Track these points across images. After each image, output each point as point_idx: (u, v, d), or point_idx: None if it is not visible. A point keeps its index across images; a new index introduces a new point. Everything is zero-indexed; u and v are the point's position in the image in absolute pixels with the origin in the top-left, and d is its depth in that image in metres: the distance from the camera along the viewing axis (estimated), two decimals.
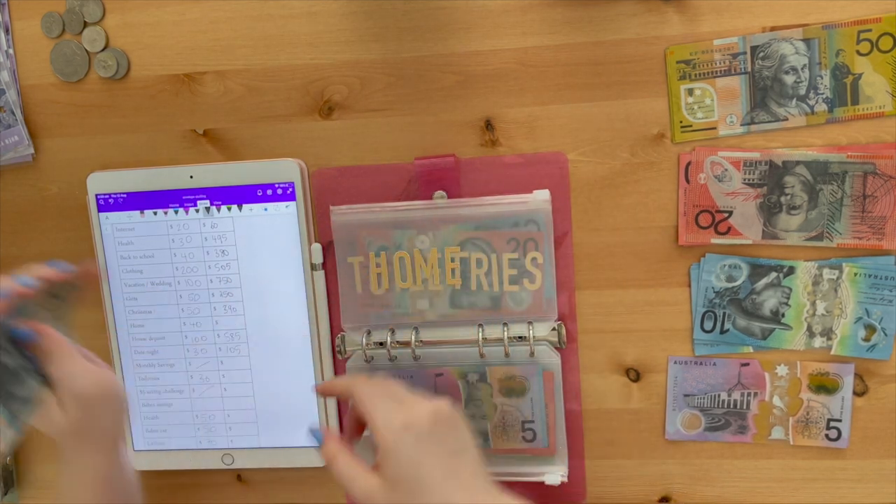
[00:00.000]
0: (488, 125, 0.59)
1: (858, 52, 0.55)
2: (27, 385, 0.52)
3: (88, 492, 0.54)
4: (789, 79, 0.55)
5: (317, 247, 0.61)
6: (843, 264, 0.57)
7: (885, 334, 0.57)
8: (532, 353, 0.59)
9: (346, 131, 0.60)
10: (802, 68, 0.55)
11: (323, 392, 0.60)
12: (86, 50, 0.61)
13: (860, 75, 0.55)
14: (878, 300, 0.57)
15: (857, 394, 0.59)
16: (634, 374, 0.60)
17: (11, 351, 0.52)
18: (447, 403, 0.50)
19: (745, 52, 0.55)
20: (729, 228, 0.57)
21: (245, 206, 0.61)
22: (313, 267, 0.61)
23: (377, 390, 0.51)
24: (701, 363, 0.60)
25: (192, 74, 0.61)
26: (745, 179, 0.57)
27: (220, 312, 0.62)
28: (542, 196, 0.58)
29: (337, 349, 0.62)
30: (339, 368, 0.63)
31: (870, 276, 0.57)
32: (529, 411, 0.60)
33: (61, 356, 0.52)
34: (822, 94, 0.55)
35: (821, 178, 0.56)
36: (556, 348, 0.60)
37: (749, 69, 0.56)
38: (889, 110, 0.55)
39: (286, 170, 0.60)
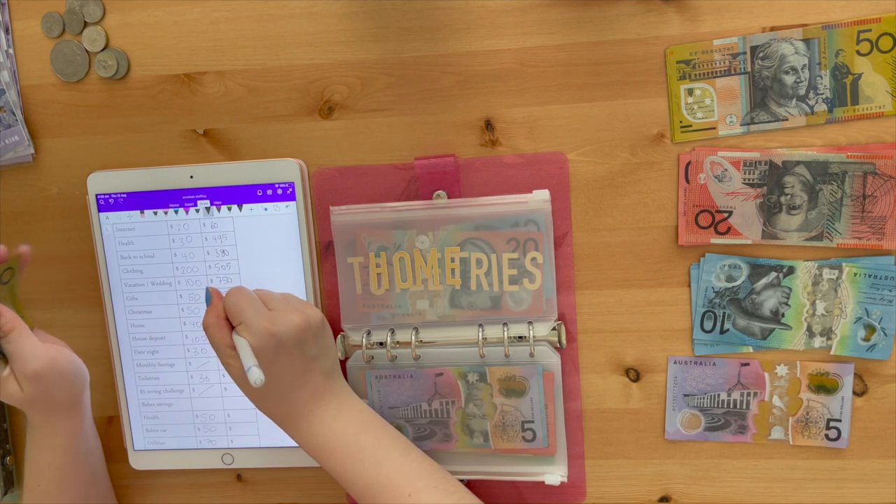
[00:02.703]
0: (488, 125, 0.59)
1: (858, 52, 0.55)
2: None
3: (49, 453, 0.59)
4: (789, 79, 0.55)
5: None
6: (843, 264, 0.57)
7: (885, 334, 0.57)
8: (532, 354, 0.59)
9: (346, 131, 0.60)
10: (802, 68, 0.55)
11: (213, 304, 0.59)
12: (86, 50, 0.61)
13: (860, 75, 0.55)
14: (877, 300, 0.57)
15: (856, 394, 0.59)
16: (634, 374, 0.60)
17: None
18: (316, 315, 0.56)
19: (744, 53, 0.55)
20: (729, 228, 0.57)
21: (245, 206, 0.61)
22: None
23: (249, 296, 0.55)
24: (701, 363, 0.60)
25: (192, 74, 0.61)
26: (744, 179, 0.57)
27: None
28: (542, 196, 0.58)
29: (337, 349, 0.62)
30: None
31: (869, 276, 0.57)
32: (529, 411, 0.60)
33: (15, 335, 0.55)
34: (822, 94, 0.55)
35: (821, 178, 0.56)
36: (556, 348, 0.60)
37: (749, 69, 0.56)
38: (889, 110, 0.55)
39: (286, 170, 0.60)
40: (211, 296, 0.55)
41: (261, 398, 0.55)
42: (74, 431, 0.59)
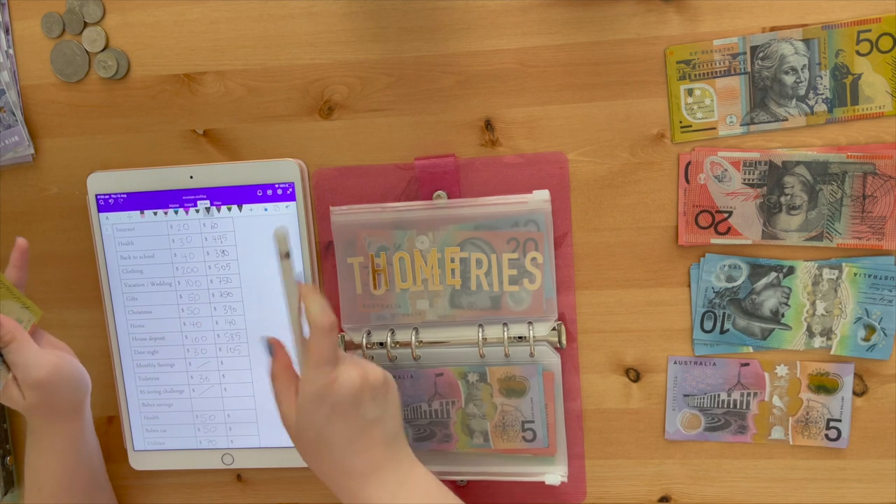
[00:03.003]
0: (488, 125, 0.59)
1: (858, 53, 0.55)
2: None
3: (51, 457, 0.58)
4: (789, 79, 0.55)
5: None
6: (843, 264, 0.57)
7: (885, 334, 0.57)
8: (532, 353, 0.59)
9: (346, 131, 0.60)
10: (802, 68, 0.55)
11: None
12: (86, 50, 0.61)
13: (860, 75, 0.55)
14: (877, 300, 0.57)
15: (856, 394, 0.59)
16: (634, 374, 0.60)
17: None
18: (380, 373, 0.51)
19: (744, 53, 0.55)
20: (729, 228, 0.57)
21: (245, 207, 0.61)
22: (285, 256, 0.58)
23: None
24: (701, 363, 0.60)
25: (192, 74, 0.61)
26: (744, 179, 0.57)
27: (220, 312, 0.62)
28: (541, 196, 0.58)
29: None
30: None
31: (869, 276, 0.57)
32: (529, 411, 0.60)
33: (16, 346, 0.54)
34: (822, 94, 0.55)
35: (820, 178, 0.56)
36: (556, 348, 0.60)
37: (749, 69, 0.56)
38: (889, 110, 0.55)
39: (286, 170, 0.60)
40: (273, 347, 0.53)
41: (316, 460, 0.51)
42: (75, 436, 0.59)
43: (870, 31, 0.54)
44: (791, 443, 0.60)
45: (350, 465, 0.50)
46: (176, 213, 0.62)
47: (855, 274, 0.57)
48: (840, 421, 0.59)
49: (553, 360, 0.59)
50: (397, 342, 0.60)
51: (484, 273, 0.59)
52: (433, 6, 0.58)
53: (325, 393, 0.49)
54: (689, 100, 0.56)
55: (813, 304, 0.58)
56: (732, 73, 0.56)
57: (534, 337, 0.59)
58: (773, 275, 0.58)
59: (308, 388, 0.49)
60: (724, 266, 0.58)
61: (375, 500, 0.50)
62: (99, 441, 0.67)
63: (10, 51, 0.62)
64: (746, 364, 0.59)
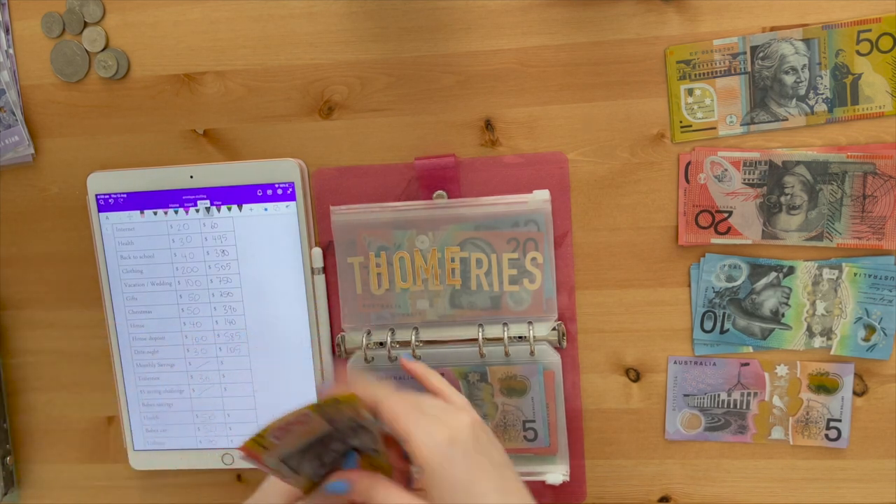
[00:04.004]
0: (488, 125, 0.59)
1: (858, 52, 0.55)
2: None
3: None
4: (789, 79, 0.55)
5: (317, 251, 0.61)
6: (843, 264, 0.57)
7: (885, 334, 0.57)
8: (532, 353, 0.59)
9: (346, 131, 0.60)
10: (802, 68, 0.55)
11: None
12: (86, 50, 0.61)
13: (860, 75, 0.55)
14: (877, 300, 0.57)
15: (856, 394, 0.59)
16: (634, 374, 0.60)
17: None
18: (474, 412, 0.48)
19: (744, 52, 0.55)
20: (729, 228, 0.57)
21: (245, 206, 0.61)
22: (314, 271, 0.61)
23: (406, 404, 0.46)
24: (701, 363, 0.60)
25: (192, 74, 0.61)
26: (744, 179, 0.57)
27: (220, 312, 0.62)
28: (541, 196, 0.58)
29: (337, 349, 0.62)
30: (339, 368, 0.63)
31: (869, 276, 0.57)
32: (530, 411, 0.60)
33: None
34: (822, 94, 0.55)
35: (821, 178, 0.56)
36: (556, 348, 0.60)
37: (749, 69, 0.56)
38: (889, 110, 0.55)
39: (286, 170, 0.60)
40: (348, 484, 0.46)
41: None
42: None
43: (870, 30, 0.54)
44: (791, 443, 0.60)
45: None
46: (176, 213, 0.62)
47: (855, 274, 0.57)
48: (840, 421, 0.59)
49: (554, 359, 0.59)
50: (397, 342, 0.60)
51: (484, 273, 0.59)
52: (433, 6, 0.58)
53: (451, 439, 0.44)
54: (690, 100, 0.56)
55: (813, 304, 0.58)
56: (732, 72, 0.56)
57: (534, 337, 0.59)
58: (773, 275, 0.58)
59: (432, 445, 0.44)
60: (724, 266, 0.58)
61: None
62: (98, 441, 0.67)
63: (10, 51, 0.62)
64: (746, 364, 0.59)
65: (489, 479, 0.44)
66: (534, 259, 0.59)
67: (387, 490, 0.45)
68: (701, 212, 0.57)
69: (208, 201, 0.61)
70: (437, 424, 0.44)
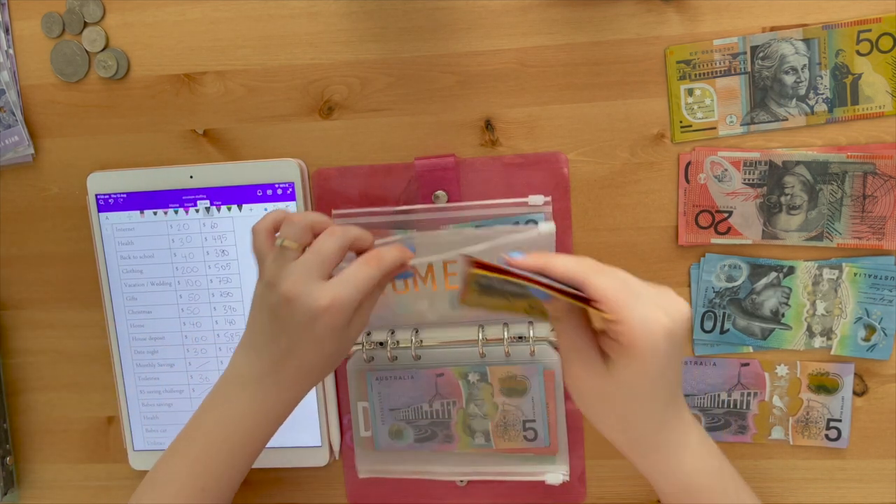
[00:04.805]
0: (488, 125, 0.59)
1: (858, 52, 0.55)
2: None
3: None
4: (789, 79, 0.55)
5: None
6: (843, 264, 0.57)
7: (885, 334, 0.57)
8: (532, 353, 0.59)
9: (346, 131, 0.60)
10: (802, 68, 0.55)
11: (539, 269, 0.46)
12: (86, 50, 0.61)
13: (860, 75, 0.55)
14: (877, 300, 0.57)
15: (856, 394, 0.59)
16: None
17: None
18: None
19: (744, 52, 0.55)
20: (729, 228, 0.57)
21: (245, 206, 0.61)
22: None
23: (618, 282, 0.43)
24: (701, 363, 0.60)
25: (192, 74, 0.61)
26: (744, 179, 0.57)
27: (220, 312, 0.62)
28: (540, 199, 0.58)
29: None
30: (338, 368, 0.62)
31: (870, 276, 0.57)
32: (531, 411, 0.60)
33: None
34: (822, 94, 0.55)
35: (821, 178, 0.56)
36: (556, 348, 0.60)
37: (749, 69, 0.56)
38: (889, 110, 0.55)
39: (286, 170, 0.60)
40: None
41: (637, 415, 0.45)
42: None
43: (870, 30, 0.54)
44: (791, 443, 0.60)
45: (664, 417, 0.45)
46: (176, 212, 0.62)
47: (855, 274, 0.57)
48: (840, 421, 0.59)
49: (553, 359, 0.59)
50: (397, 342, 0.60)
51: None
52: (433, 6, 0.58)
53: (670, 332, 0.43)
54: (690, 99, 0.56)
55: (813, 304, 0.58)
56: (732, 72, 0.56)
57: (534, 336, 0.59)
58: (774, 275, 0.58)
59: (650, 332, 0.42)
60: (725, 266, 0.58)
61: (688, 460, 0.45)
62: (98, 441, 0.67)
63: (10, 51, 0.62)
64: (746, 364, 0.59)
65: (675, 374, 0.44)
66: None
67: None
68: (701, 212, 0.57)
69: (208, 201, 0.61)
70: (656, 311, 0.42)
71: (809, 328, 0.58)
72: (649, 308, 0.42)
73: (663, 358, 0.42)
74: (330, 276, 0.48)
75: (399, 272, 0.51)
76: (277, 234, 0.51)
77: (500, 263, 0.44)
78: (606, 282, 0.43)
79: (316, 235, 0.49)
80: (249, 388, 0.50)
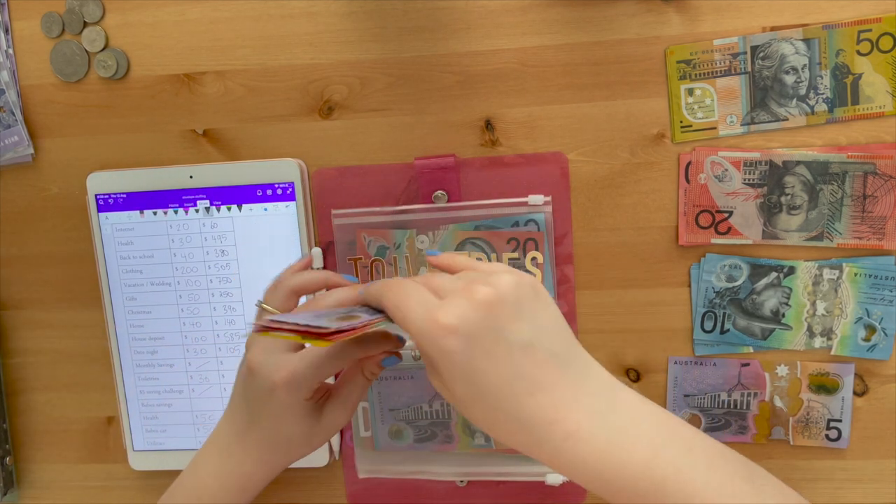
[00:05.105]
0: (488, 125, 0.59)
1: (858, 52, 0.55)
2: None
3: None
4: (789, 79, 0.55)
5: (317, 251, 0.61)
6: (844, 264, 0.57)
7: (886, 334, 0.57)
8: None
9: (346, 131, 0.60)
10: (802, 68, 0.55)
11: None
12: (85, 50, 0.61)
13: (860, 75, 0.55)
14: (878, 300, 0.57)
15: (857, 394, 0.59)
16: (634, 375, 0.60)
17: None
18: (520, 275, 0.39)
19: (745, 52, 0.55)
20: (729, 228, 0.57)
21: (245, 206, 0.61)
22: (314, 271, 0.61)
23: (403, 283, 0.40)
24: (701, 363, 0.60)
25: (192, 74, 0.61)
26: (745, 179, 0.57)
27: (220, 312, 0.62)
28: (540, 199, 0.58)
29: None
30: None
31: (870, 276, 0.57)
32: None
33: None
34: (822, 94, 0.55)
35: (821, 178, 0.56)
36: None
37: (749, 69, 0.56)
38: (889, 110, 0.55)
39: (286, 170, 0.60)
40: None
41: (485, 419, 0.39)
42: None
43: (870, 30, 0.54)
44: (791, 443, 0.60)
45: (527, 413, 0.37)
46: (175, 212, 0.62)
47: (855, 274, 0.57)
48: (840, 421, 0.59)
49: None
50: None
51: None
52: (433, 6, 0.58)
53: (446, 326, 0.38)
54: (690, 99, 0.56)
55: (813, 304, 0.58)
56: (733, 72, 0.56)
57: None
58: (774, 275, 0.58)
59: (423, 330, 0.38)
60: (725, 266, 0.58)
61: (581, 453, 0.37)
62: (98, 441, 0.67)
63: (10, 51, 0.62)
64: (747, 364, 0.59)
65: (495, 366, 0.37)
66: (534, 259, 0.59)
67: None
68: (701, 212, 0.57)
69: (208, 201, 0.61)
70: (425, 304, 0.39)
71: (810, 328, 0.58)
72: (421, 300, 0.39)
73: (458, 356, 0.37)
74: (301, 347, 0.47)
75: (383, 357, 0.49)
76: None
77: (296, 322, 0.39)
78: (390, 297, 0.40)
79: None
80: (220, 453, 0.50)
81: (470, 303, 0.38)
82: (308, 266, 0.55)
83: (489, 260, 0.59)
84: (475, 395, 0.38)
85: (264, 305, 0.50)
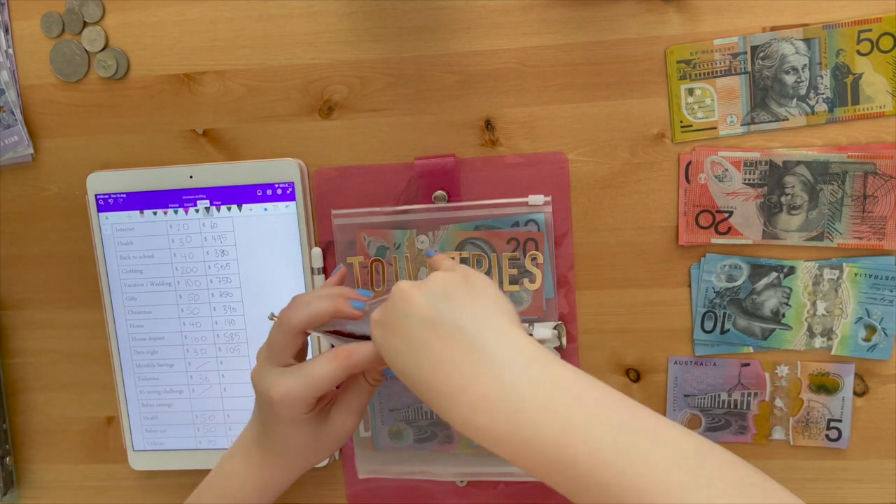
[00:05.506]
0: (488, 125, 0.59)
1: (859, 52, 0.55)
2: None
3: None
4: (789, 79, 0.55)
5: (317, 251, 0.61)
6: (844, 264, 0.57)
7: (886, 334, 0.57)
8: None
9: (346, 131, 0.60)
10: (803, 68, 0.55)
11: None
12: (85, 50, 0.61)
13: (860, 75, 0.55)
14: (878, 300, 0.57)
15: (857, 394, 0.59)
16: (635, 375, 0.60)
17: None
18: (452, 270, 0.45)
19: (745, 52, 0.55)
20: (729, 228, 0.57)
21: (245, 206, 0.61)
22: (314, 271, 0.61)
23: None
24: (701, 363, 0.60)
25: (192, 74, 0.61)
26: (745, 179, 0.57)
27: (220, 312, 0.62)
28: (540, 199, 0.58)
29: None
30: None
31: (870, 276, 0.57)
32: None
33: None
34: (823, 94, 0.55)
35: (821, 178, 0.56)
36: (557, 348, 0.60)
37: (749, 69, 0.56)
38: (889, 110, 0.55)
39: (286, 170, 0.60)
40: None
41: (415, 395, 0.43)
42: None
43: (870, 30, 0.54)
44: (791, 443, 0.60)
45: (434, 387, 0.41)
46: (175, 212, 0.62)
47: (855, 274, 0.57)
48: (840, 421, 0.59)
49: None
50: None
51: (484, 273, 0.59)
52: (433, 6, 0.58)
53: (379, 318, 0.46)
54: (690, 99, 0.56)
55: (813, 304, 0.58)
56: (733, 72, 0.56)
57: (534, 337, 0.59)
58: (774, 275, 0.58)
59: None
60: (725, 266, 0.58)
61: (488, 427, 0.38)
62: (98, 441, 0.67)
63: (10, 50, 0.62)
64: (747, 364, 0.59)
65: (405, 340, 0.43)
66: (534, 258, 0.59)
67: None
68: (701, 212, 0.57)
69: (208, 201, 0.61)
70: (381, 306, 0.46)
71: (810, 328, 0.58)
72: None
73: (378, 341, 0.45)
74: (291, 361, 0.50)
75: (384, 367, 0.49)
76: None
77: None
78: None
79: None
80: (244, 455, 0.52)
81: (392, 297, 0.45)
82: (342, 280, 0.56)
83: (489, 260, 0.59)
84: (399, 373, 0.43)
85: (273, 317, 0.52)
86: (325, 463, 0.63)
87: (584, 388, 0.39)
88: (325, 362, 0.48)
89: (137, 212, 0.62)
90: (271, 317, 0.51)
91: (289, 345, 0.50)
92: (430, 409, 0.45)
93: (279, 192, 0.60)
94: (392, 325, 0.44)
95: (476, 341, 0.41)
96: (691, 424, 0.60)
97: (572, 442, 0.36)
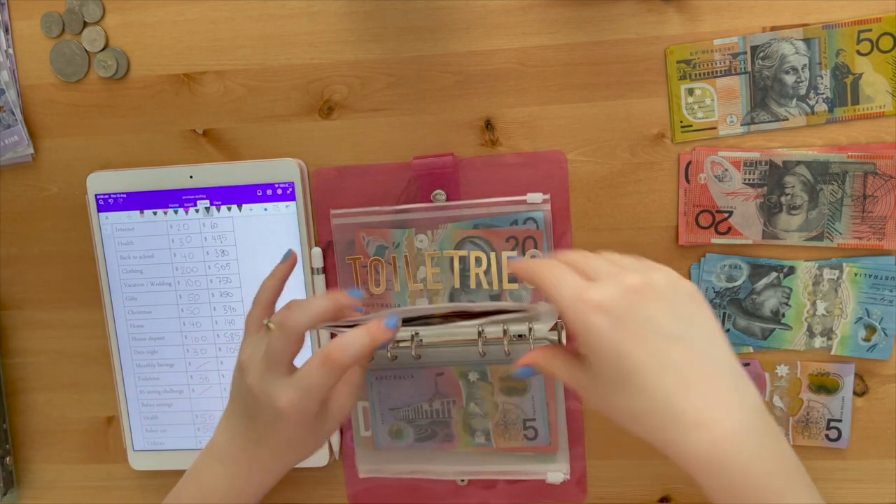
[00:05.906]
0: (488, 125, 0.59)
1: (858, 52, 0.55)
2: None
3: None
4: (789, 79, 0.55)
5: (317, 251, 0.61)
6: (844, 264, 0.57)
7: (886, 334, 0.57)
8: None
9: (346, 131, 0.60)
10: (802, 68, 0.55)
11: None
12: (85, 50, 0.61)
13: (860, 75, 0.55)
14: (878, 300, 0.57)
15: (857, 394, 0.59)
16: None
17: None
18: (678, 277, 0.40)
19: (745, 52, 0.55)
20: (729, 228, 0.57)
21: (245, 206, 0.61)
22: (314, 271, 0.61)
23: (563, 268, 0.41)
24: None
25: (192, 74, 0.61)
26: (745, 179, 0.57)
27: (220, 312, 0.62)
28: (538, 197, 0.58)
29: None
30: None
31: (870, 276, 0.57)
32: (531, 409, 0.60)
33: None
34: (823, 94, 0.55)
35: (821, 178, 0.56)
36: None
37: (749, 69, 0.56)
38: (889, 110, 0.55)
39: (286, 170, 0.60)
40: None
41: (620, 404, 0.39)
42: None
43: (870, 30, 0.54)
44: (791, 443, 0.60)
45: (678, 412, 0.37)
46: (175, 212, 0.62)
47: (855, 274, 0.57)
48: (840, 421, 0.59)
49: None
50: (397, 342, 0.60)
51: (483, 272, 0.59)
52: (433, 6, 0.58)
53: (598, 302, 0.39)
54: (690, 99, 0.56)
55: (813, 304, 0.58)
56: (733, 72, 0.56)
57: (534, 337, 0.59)
58: (774, 275, 0.58)
59: (574, 305, 0.39)
60: (725, 266, 0.58)
61: (722, 464, 0.37)
62: (98, 441, 0.67)
63: (10, 50, 0.62)
64: (747, 364, 0.59)
65: (649, 350, 0.37)
66: (533, 256, 0.59)
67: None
68: (701, 212, 0.57)
69: (208, 201, 0.61)
70: (574, 285, 0.39)
71: (810, 328, 0.58)
72: (575, 289, 0.40)
73: (605, 335, 0.38)
74: (292, 367, 0.50)
75: (381, 343, 0.49)
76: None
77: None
78: (545, 274, 0.41)
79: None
80: (225, 465, 0.51)
81: (618, 287, 0.39)
82: (293, 265, 0.55)
83: (488, 258, 0.59)
84: (620, 378, 0.38)
85: (272, 325, 0.51)
86: (325, 463, 0.63)
87: (789, 451, 0.39)
88: (316, 370, 0.48)
89: (137, 212, 0.62)
90: (267, 325, 0.51)
91: (291, 350, 0.50)
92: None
93: (279, 192, 0.60)
94: (633, 328, 0.38)
95: (724, 374, 0.38)
96: None
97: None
